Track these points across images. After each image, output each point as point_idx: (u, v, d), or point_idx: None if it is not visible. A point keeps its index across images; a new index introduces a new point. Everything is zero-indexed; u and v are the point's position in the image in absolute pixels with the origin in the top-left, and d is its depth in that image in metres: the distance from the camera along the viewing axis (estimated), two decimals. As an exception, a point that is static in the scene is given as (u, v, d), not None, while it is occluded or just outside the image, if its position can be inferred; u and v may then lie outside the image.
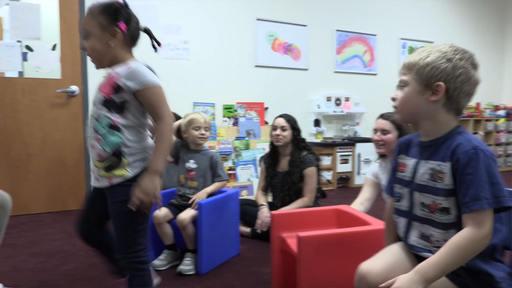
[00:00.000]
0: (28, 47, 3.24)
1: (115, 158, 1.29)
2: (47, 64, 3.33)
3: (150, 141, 1.38)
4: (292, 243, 1.63)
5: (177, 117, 2.80)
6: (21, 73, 3.44)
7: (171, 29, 3.81)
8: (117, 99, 1.29)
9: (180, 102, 3.73)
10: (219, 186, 2.25)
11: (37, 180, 3.32)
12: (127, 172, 1.30)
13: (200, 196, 2.14)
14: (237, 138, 3.73)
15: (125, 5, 1.35)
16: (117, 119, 1.29)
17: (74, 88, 3.41)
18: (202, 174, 2.22)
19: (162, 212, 2.12)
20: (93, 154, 1.34)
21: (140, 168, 1.31)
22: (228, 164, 3.59)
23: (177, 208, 2.19)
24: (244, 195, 3.53)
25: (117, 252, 1.39)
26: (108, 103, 1.29)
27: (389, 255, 1.13)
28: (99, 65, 1.36)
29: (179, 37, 3.85)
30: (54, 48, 3.33)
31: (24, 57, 3.23)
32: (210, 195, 2.19)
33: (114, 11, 1.32)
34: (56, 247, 2.48)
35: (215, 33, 4.00)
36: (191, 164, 2.23)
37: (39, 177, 3.33)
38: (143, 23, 1.45)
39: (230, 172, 3.57)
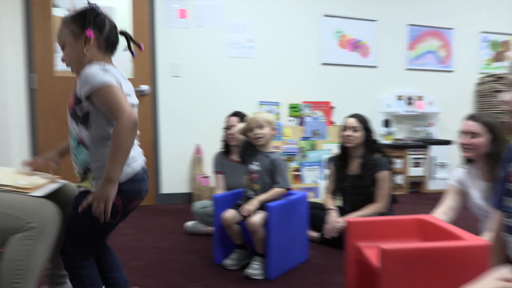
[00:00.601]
0: (129, 48, 3.37)
1: (84, 173, 1.31)
2: (120, 65, 3.44)
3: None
4: (371, 255, 1.50)
5: (244, 117, 2.76)
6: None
7: (237, 27, 3.79)
8: (79, 111, 1.27)
9: (245, 101, 3.71)
10: (274, 194, 2.06)
11: (109, 176, 3.46)
12: (90, 186, 1.29)
13: (251, 205, 2.02)
14: (303, 138, 3.62)
15: (96, 10, 1.32)
16: (83, 134, 1.28)
17: (144, 87, 3.51)
18: (262, 178, 2.14)
19: (230, 214, 2.08)
20: (76, 169, 1.35)
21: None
22: (293, 165, 3.49)
23: (244, 210, 2.14)
24: (310, 197, 3.42)
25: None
26: (73, 116, 1.29)
27: (499, 282, 0.97)
28: (76, 73, 1.31)
29: (245, 35, 3.82)
30: (126, 49, 3.44)
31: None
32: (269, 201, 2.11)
33: (84, 19, 1.29)
34: (126, 242, 2.54)
35: (280, 31, 3.92)
36: (254, 165, 2.16)
37: (112, 173, 3.47)
38: (121, 27, 1.43)
39: (295, 173, 3.47)
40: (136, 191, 1.33)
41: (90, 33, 1.28)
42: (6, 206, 1.24)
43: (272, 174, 2.10)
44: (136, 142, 1.34)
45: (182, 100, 3.66)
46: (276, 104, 3.81)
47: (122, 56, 3.52)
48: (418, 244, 1.48)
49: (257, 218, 1.98)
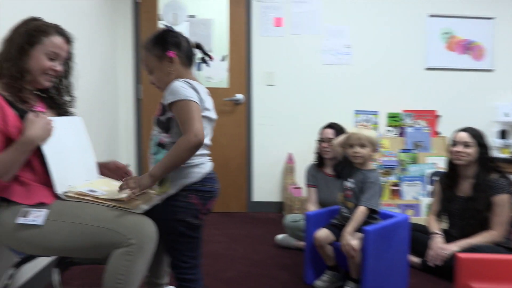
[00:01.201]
0: (202, 59, 3.51)
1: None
2: (217, 74, 3.57)
3: (198, 160, 1.41)
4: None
5: (340, 129, 2.63)
6: (196, 83, 3.77)
7: (333, 33, 3.66)
8: (163, 118, 1.40)
9: (340, 110, 3.57)
10: (358, 216, 1.89)
11: (205, 182, 3.59)
12: (168, 189, 1.38)
13: (349, 233, 1.87)
14: (403, 151, 3.35)
15: (171, 31, 1.45)
16: (164, 137, 1.39)
17: (240, 96, 3.57)
18: (355, 196, 1.99)
19: (323, 233, 1.99)
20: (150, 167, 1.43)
21: (180, 186, 1.38)
22: (391, 179, 3.25)
23: (338, 229, 2.02)
24: (410, 214, 3.15)
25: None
26: (158, 123, 1.43)
27: None
28: (159, 89, 1.45)
29: (341, 41, 3.67)
30: (223, 59, 3.54)
31: (199, 68, 3.53)
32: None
33: (163, 41, 1.42)
34: (220, 251, 2.59)
35: (380, 35, 3.68)
36: (349, 183, 2.03)
37: (207, 179, 3.60)
38: (193, 39, 1.53)
39: (393, 188, 3.23)
40: (210, 190, 1.45)
41: (172, 53, 1.41)
42: (110, 222, 1.31)
43: (361, 192, 1.96)
44: (205, 150, 1.45)
45: (276, 109, 3.65)
46: (374, 113, 3.59)
47: (218, 65, 3.64)
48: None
49: (354, 241, 1.86)
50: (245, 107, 3.62)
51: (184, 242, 1.43)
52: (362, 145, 1.97)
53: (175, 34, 1.46)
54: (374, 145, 1.99)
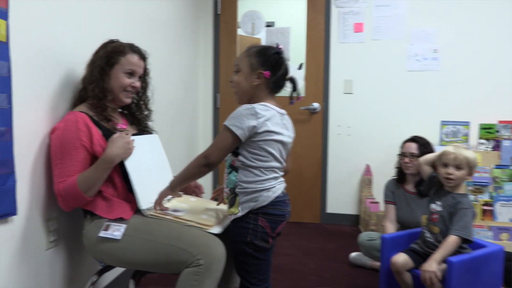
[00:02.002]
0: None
1: (233, 196, 1.41)
2: (293, 83, 3.53)
3: (268, 184, 1.39)
4: None
5: (425, 144, 2.43)
6: (272, 92, 3.78)
7: (419, 37, 3.41)
8: None
9: (424, 120, 3.32)
10: (448, 245, 1.70)
11: (278, 191, 3.58)
12: (237, 210, 1.39)
13: (431, 266, 1.67)
14: (498, 167, 3.00)
15: (279, 55, 1.42)
16: (235, 160, 1.40)
17: (316, 105, 3.50)
18: (443, 221, 1.80)
19: (401, 259, 1.84)
20: (225, 190, 1.47)
21: (248, 209, 1.37)
22: (483, 197, 2.94)
23: (419, 256, 1.86)
24: (504, 239, 2.82)
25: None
26: None
27: None
28: (239, 100, 1.47)
29: (428, 45, 3.41)
30: (300, 67, 3.50)
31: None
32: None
33: (266, 57, 1.40)
34: (290, 265, 2.55)
35: (472, 37, 3.34)
36: (437, 205, 1.85)
37: (280, 188, 3.58)
38: (288, 72, 1.48)
39: (485, 208, 2.91)
40: (280, 213, 1.42)
41: (267, 73, 1.40)
42: (180, 241, 1.34)
43: (452, 218, 1.77)
44: (278, 172, 1.44)
45: (353, 118, 3.50)
46: (465, 124, 3.27)
47: (295, 74, 3.59)
48: None
49: (435, 270, 1.69)
50: (322, 116, 3.53)
51: (252, 264, 1.41)
52: (458, 167, 1.78)
53: (280, 58, 1.43)
54: (471, 169, 1.79)
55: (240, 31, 3.65)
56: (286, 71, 1.46)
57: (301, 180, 3.57)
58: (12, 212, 1.33)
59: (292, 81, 1.49)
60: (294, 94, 1.49)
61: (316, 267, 2.52)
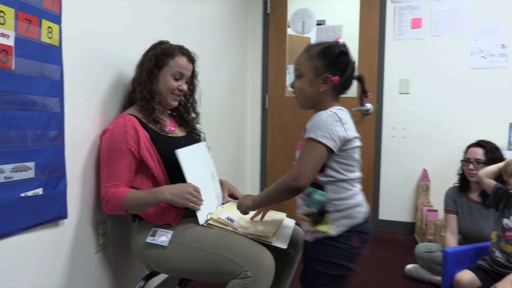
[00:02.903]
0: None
1: (320, 215, 1.24)
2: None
3: (359, 198, 1.26)
4: None
5: (492, 149, 2.21)
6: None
7: (485, 32, 3.14)
8: None
9: (491, 123, 3.05)
10: None
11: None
12: (330, 229, 1.22)
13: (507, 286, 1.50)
14: None
15: (346, 52, 1.24)
16: (319, 177, 1.21)
17: (369, 106, 3.33)
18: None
19: (468, 277, 1.68)
20: (300, 209, 1.30)
21: (345, 227, 1.22)
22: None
23: (488, 275, 1.68)
24: None
25: None
26: None
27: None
28: (301, 106, 1.32)
29: (495, 40, 3.13)
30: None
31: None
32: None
33: (333, 59, 1.23)
34: (341, 274, 2.43)
35: (548, 31, 3.03)
36: (510, 221, 1.66)
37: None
38: (352, 71, 1.29)
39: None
40: (369, 231, 1.29)
41: (336, 79, 1.22)
42: (227, 250, 1.28)
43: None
44: (360, 183, 1.29)
45: (410, 120, 3.29)
46: (537, 126, 2.96)
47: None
48: None
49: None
50: (375, 118, 3.36)
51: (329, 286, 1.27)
52: None
53: (348, 58, 1.25)
54: None
55: (289, 31, 3.56)
56: (353, 69, 1.29)
57: (352, 184, 3.42)
58: (63, 215, 1.34)
59: (360, 79, 1.32)
60: (364, 94, 1.34)
61: (369, 278, 2.38)
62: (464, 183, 2.33)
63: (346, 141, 1.19)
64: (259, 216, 1.48)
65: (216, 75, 2.78)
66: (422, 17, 3.24)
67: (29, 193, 1.20)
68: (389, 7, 3.30)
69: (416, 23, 3.27)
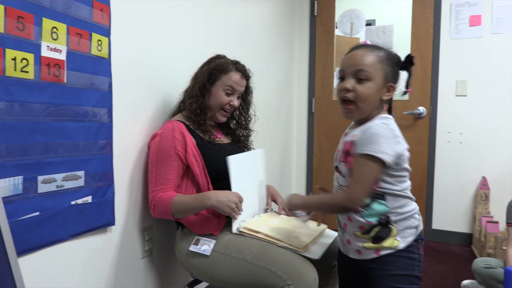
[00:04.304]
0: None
1: (382, 228, 1.15)
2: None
3: (416, 206, 1.20)
4: None
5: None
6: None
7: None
8: None
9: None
10: None
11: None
12: (398, 242, 1.15)
13: None
14: None
15: (412, 60, 1.19)
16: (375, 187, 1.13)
17: (422, 109, 3.16)
18: None
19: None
20: (351, 227, 1.19)
21: (412, 236, 1.16)
22: None
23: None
24: None
25: None
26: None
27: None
28: (352, 116, 1.18)
29: None
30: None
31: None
32: None
33: (397, 67, 1.18)
34: None
35: None
36: None
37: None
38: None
39: None
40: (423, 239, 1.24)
41: (394, 88, 1.18)
42: (270, 262, 1.26)
43: None
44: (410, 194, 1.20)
45: (467, 124, 3.09)
46: None
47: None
48: None
49: None
50: (428, 121, 3.18)
51: None
52: None
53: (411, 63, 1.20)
54: None
55: (337, 32, 3.47)
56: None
57: (403, 191, 3.27)
58: (111, 222, 1.38)
59: (409, 70, 1.23)
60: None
61: (421, 293, 2.25)
62: (530, 194, 2.15)
63: (400, 155, 1.13)
64: (296, 223, 1.46)
65: (262, 79, 2.75)
66: (482, 13, 3.03)
67: (79, 201, 1.24)
68: (445, 4, 3.11)
69: (475, 21, 3.06)
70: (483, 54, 3.03)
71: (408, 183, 1.19)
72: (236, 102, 1.55)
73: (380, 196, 1.14)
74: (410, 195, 1.19)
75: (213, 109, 1.53)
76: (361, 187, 1.08)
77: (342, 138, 1.25)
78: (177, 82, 1.64)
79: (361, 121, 1.18)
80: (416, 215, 1.19)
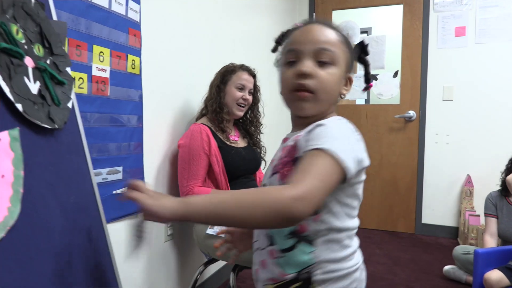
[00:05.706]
0: (373, 76, 3.54)
1: (299, 284, 0.79)
2: (388, 91, 3.52)
3: (359, 258, 0.85)
4: None
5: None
6: (366, 101, 3.80)
7: (532, 38, 3.15)
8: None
9: (536, 129, 3.06)
10: None
11: (371, 198, 3.60)
12: None
13: None
14: None
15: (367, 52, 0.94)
16: (307, 223, 0.78)
17: (412, 113, 3.44)
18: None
19: (495, 276, 1.81)
20: (263, 274, 0.85)
21: None
22: None
23: (516, 275, 1.78)
24: None
25: None
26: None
27: None
28: (306, 107, 0.83)
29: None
30: (395, 75, 3.48)
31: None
32: None
33: (357, 57, 0.92)
34: (380, 273, 2.59)
35: None
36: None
37: (374, 196, 3.60)
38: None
39: None
40: None
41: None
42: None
43: None
44: (357, 240, 0.86)
45: (453, 126, 3.37)
46: None
47: (390, 82, 3.58)
48: None
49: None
50: (418, 124, 3.46)
51: None
52: None
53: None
54: None
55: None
56: None
57: (395, 189, 3.54)
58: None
59: (365, 62, 0.96)
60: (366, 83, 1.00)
61: (407, 278, 2.52)
62: (506, 187, 2.42)
63: (361, 170, 0.80)
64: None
65: (273, 89, 3.04)
66: (466, 25, 3.31)
67: (118, 191, 1.53)
68: (432, 16, 3.40)
69: (460, 32, 3.34)
70: (468, 62, 3.31)
71: (357, 222, 0.84)
72: (249, 97, 1.86)
73: (307, 239, 0.79)
74: (355, 243, 0.85)
75: (229, 105, 1.83)
76: (314, 178, 0.68)
77: (280, 147, 0.93)
78: (196, 93, 1.95)
79: (309, 122, 0.84)
80: (356, 275, 0.83)
